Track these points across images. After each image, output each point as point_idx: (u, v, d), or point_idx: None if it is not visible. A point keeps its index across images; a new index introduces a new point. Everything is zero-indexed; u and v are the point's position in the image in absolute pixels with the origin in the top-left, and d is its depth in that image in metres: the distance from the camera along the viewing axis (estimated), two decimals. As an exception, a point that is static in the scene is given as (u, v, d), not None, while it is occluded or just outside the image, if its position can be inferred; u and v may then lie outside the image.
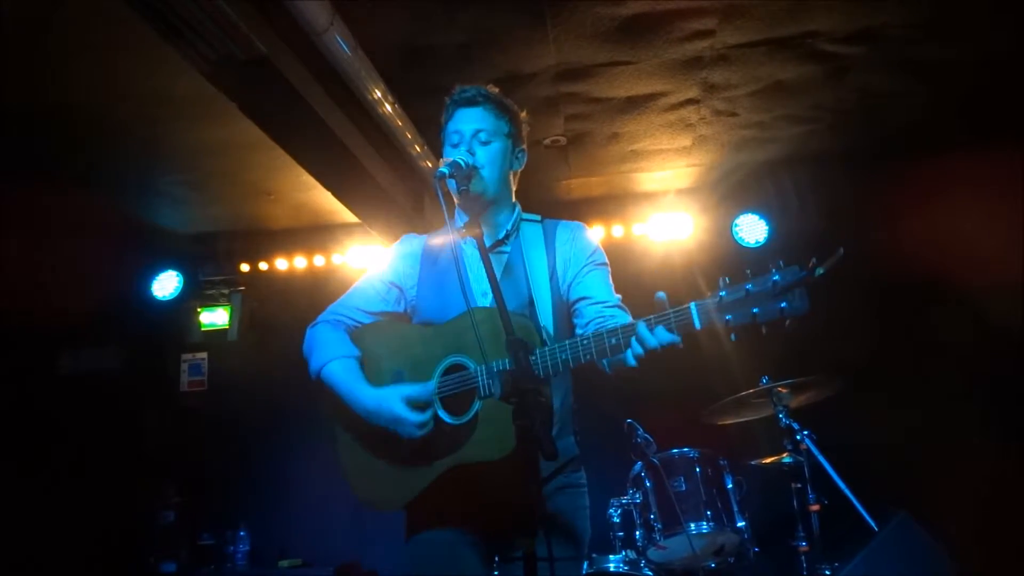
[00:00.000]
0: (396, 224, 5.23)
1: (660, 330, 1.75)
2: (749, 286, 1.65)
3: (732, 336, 1.69)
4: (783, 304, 1.61)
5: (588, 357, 1.85)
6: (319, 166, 4.56)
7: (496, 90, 2.29)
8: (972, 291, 4.84)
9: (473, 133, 2.19)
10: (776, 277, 1.62)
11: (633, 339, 1.78)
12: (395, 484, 2.10)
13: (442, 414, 2.03)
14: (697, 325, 1.71)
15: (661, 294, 1.77)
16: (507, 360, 1.84)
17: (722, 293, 1.68)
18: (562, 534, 2.07)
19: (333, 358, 2.20)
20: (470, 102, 2.23)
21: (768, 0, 3.65)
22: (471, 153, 2.17)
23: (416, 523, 2.13)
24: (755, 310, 1.64)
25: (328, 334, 2.28)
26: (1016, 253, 4.72)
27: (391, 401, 2.02)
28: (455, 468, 1.98)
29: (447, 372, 2.07)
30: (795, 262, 1.64)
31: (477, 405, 1.97)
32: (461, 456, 1.97)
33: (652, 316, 1.76)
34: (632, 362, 1.81)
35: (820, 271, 1.57)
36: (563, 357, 1.86)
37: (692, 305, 1.72)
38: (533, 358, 1.87)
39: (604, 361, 2.01)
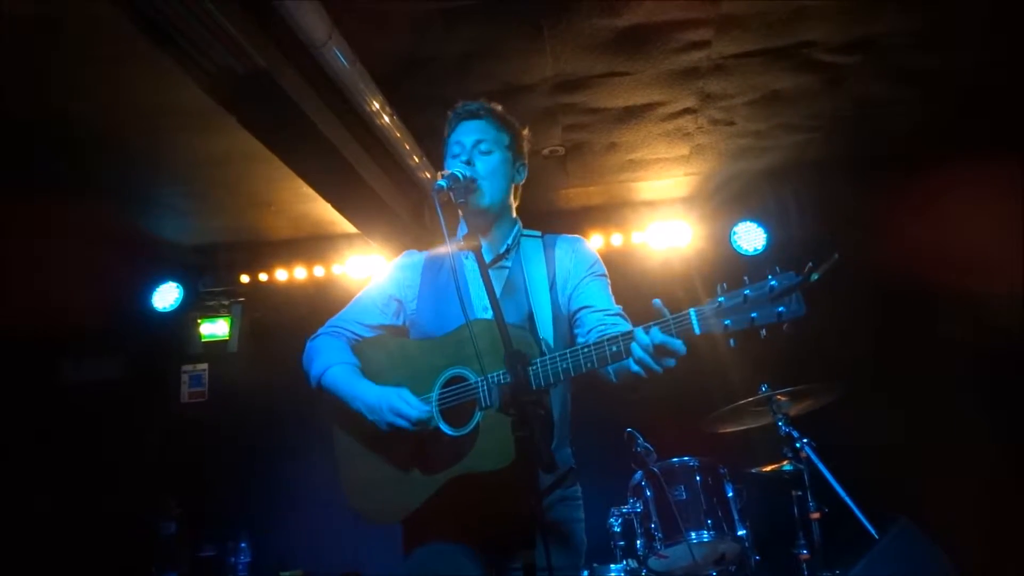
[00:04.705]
0: (395, 235, 5.25)
1: (657, 332, 1.73)
2: (747, 291, 1.66)
3: (731, 341, 1.69)
4: (781, 308, 1.63)
5: (589, 365, 1.83)
6: (318, 177, 4.58)
7: (499, 107, 2.33)
8: (971, 297, 4.85)
9: (474, 144, 2.22)
10: (773, 282, 1.64)
11: (633, 345, 1.76)
12: (395, 496, 2.09)
13: (443, 426, 2.03)
14: (697, 331, 1.71)
15: (657, 301, 1.77)
16: (506, 372, 1.85)
17: (721, 299, 1.69)
18: (560, 546, 2.07)
19: (334, 363, 2.22)
20: (472, 115, 2.27)
21: (764, 10, 3.68)
22: (471, 163, 2.18)
23: (415, 537, 2.12)
24: (753, 315, 1.65)
25: (328, 344, 2.30)
26: (1014, 257, 4.74)
27: (392, 393, 2.05)
28: (456, 479, 1.98)
29: (447, 384, 2.07)
30: (792, 268, 1.67)
31: (478, 416, 1.96)
32: (462, 467, 1.97)
33: (651, 322, 1.76)
34: (636, 368, 1.78)
35: (816, 276, 1.59)
36: (563, 366, 1.85)
37: (691, 311, 1.72)
38: (533, 367, 1.86)
39: (609, 369, 2.01)
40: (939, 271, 4.72)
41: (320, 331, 2.37)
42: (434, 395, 2.06)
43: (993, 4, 3.71)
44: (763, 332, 1.66)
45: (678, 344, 1.72)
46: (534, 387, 1.83)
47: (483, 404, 1.95)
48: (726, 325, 1.67)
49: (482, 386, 1.96)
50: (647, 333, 1.74)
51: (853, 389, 3.99)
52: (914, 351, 5.12)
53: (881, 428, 4.89)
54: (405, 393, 2.05)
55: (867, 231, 5.10)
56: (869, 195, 5.25)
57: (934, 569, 3.42)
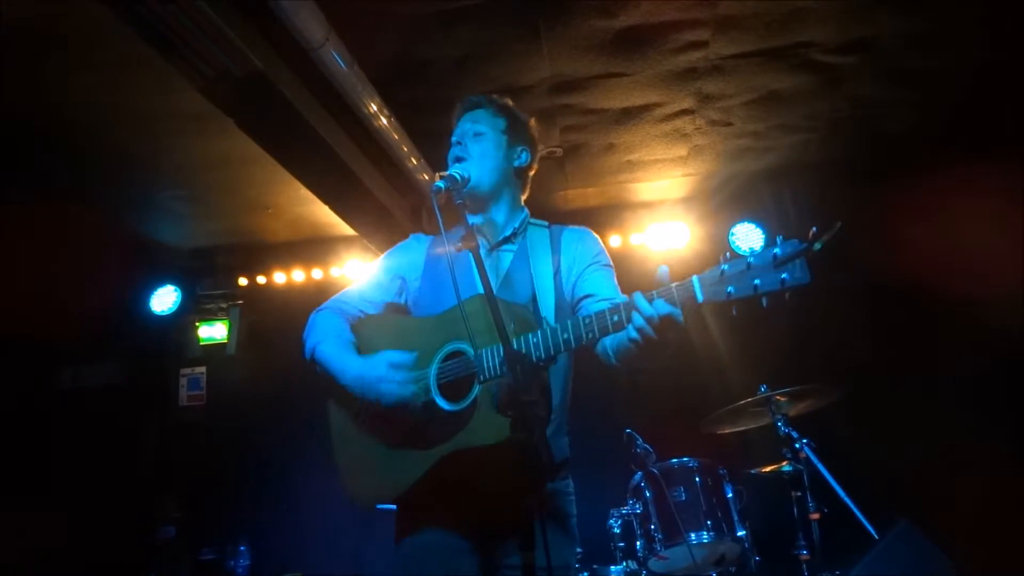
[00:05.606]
0: (393, 236, 5.23)
1: (660, 302, 1.71)
2: (751, 258, 1.65)
3: (734, 310, 1.68)
4: (784, 275, 1.61)
5: (590, 335, 1.82)
6: (316, 180, 4.58)
7: (500, 98, 2.42)
8: (969, 297, 4.85)
9: (469, 130, 2.31)
10: (777, 249, 1.63)
11: (635, 314, 1.74)
12: (389, 473, 2.05)
13: (440, 401, 2.00)
14: (699, 298, 1.70)
15: (664, 268, 1.75)
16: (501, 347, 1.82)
17: (724, 266, 1.68)
18: (552, 542, 2.05)
19: (327, 338, 2.22)
20: (473, 106, 2.39)
21: (761, 11, 3.68)
22: (461, 143, 2.28)
23: (408, 522, 2.10)
24: (756, 281, 1.63)
25: (328, 319, 2.31)
26: (1012, 258, 4.74)
27: (376, 363, 2.03)
28: (450, 456, 1.93)
29: (446, 359, 2.04)
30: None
31: (476, 390, 1.92)
32: (458, 442, 1.92)
33: (654, 290, 1.75)
34: (634, 334, 1.75)
35: (819, 245, 1.58)
36: (564, 337, 1.83)
37: (694, 278, 1.71)
38: (534, 338, 1.85)
39: (609, 350, 2.00)
40: (938, 271, 4.72)
41: (324, 305, 2.38)
42: (432, 370, 2.04)
43: (990, 5, 3.72)
44: (764, 301, 1.64)
45: (676, 312, 1.71)
46: (535, 360, 1.84)
47: (482, 377, 1.92)
48: (729, 292, 1.65)
49: (481, 359, 1.93)
50: (649, 301, 1.73)
51: (852, 389, 3.98)
52: (913, 351, 5.12)
53: (881, 428, 4.88)
54: (392, 357, 2.02)
55: (865, 231, 5.10)
56: (867, 195, 5.25)
57: (934, 570, 3.42)
